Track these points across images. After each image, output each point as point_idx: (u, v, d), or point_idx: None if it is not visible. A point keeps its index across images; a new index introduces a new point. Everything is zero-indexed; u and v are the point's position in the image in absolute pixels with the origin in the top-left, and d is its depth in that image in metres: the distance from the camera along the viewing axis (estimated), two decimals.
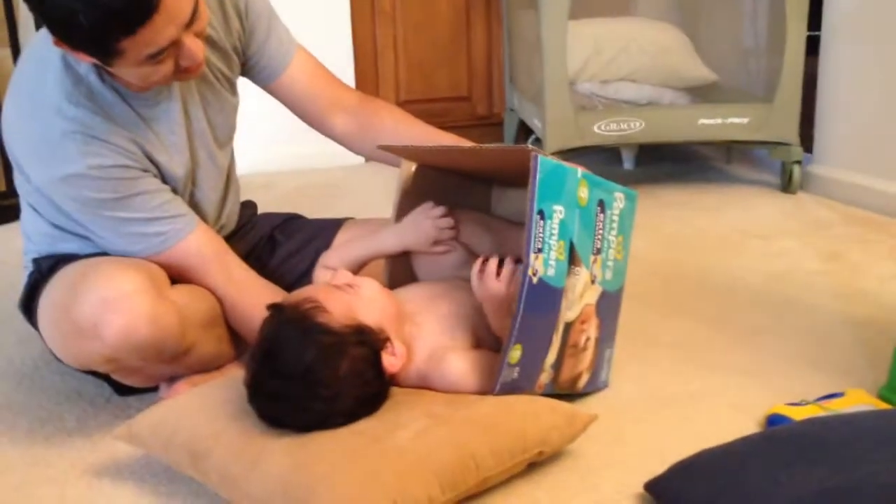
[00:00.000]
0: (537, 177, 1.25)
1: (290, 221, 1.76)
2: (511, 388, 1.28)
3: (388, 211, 1.53)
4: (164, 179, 1.45)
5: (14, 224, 2.63)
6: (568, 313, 1.34)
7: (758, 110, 2.69)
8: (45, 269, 1.46)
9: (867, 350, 1.61)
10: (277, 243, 1.71)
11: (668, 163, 3.17)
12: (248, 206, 1.77)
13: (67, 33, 1.22)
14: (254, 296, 1.46)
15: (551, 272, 1.28)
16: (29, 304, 1.49)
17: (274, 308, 1.25)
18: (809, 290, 1.93)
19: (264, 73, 1.60)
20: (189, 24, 1.25)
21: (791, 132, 2.70)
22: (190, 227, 1.44)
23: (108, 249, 1.43)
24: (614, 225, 1.46)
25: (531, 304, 1.25)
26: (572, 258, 1.33)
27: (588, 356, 1.41)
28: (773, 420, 1.34)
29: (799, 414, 1.31)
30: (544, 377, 1.33)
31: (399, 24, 3.48)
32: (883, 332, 1.68)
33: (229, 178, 1.63)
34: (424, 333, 1.35)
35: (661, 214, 2.54)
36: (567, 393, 1.40)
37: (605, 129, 2.65)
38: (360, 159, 3.39)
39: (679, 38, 3.08)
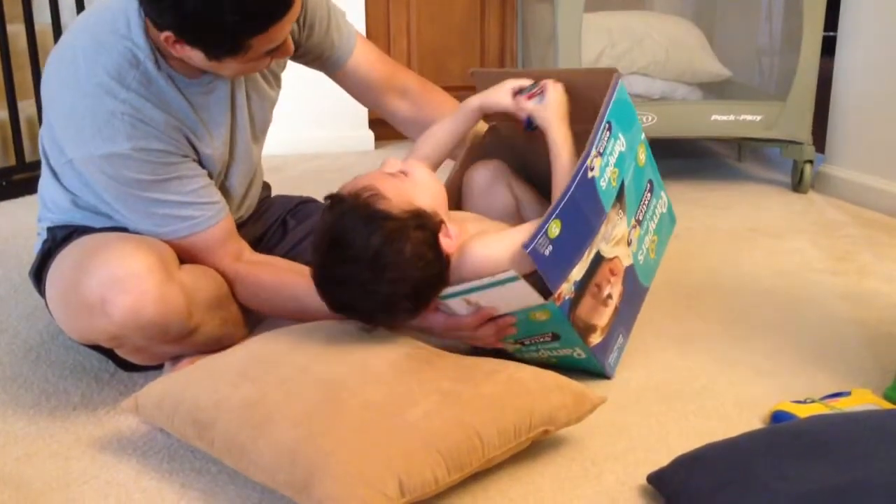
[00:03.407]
0: (614, 95, 1.37)
1: (303, 206, 1.76)
2: (540, 262, 1.27)
3: None
4: (202, 167, 1.45)
5: (24, 199, 2.64)
6: (603, 245, 1.38)
7: (771, 108, 2.68)
8: (59, 238, 1.47)
9: (874, 350, 1.61)
10: (288, 228, 1.72)
11: (678, 158, 3.16)
12: (264, 188, 1.77)
13: (199, 30, 1.24)
14: (268, 267, 1.49)
15: (603, 184, 1.36)
16: (40, 273, 1.49)
17: (334, 198, 1.30)
18: (818, 289, 1.93)
19: (329, 62, 1.62)
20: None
21: (804, 131, 2.69)
22: (221, 215, 1.45)
23: (132, 230, 1.43)
24: (655, 218, 1.53)
25: (580, 192, 1.32)
26: (620, 199, 1.40)
27: (606, 315, 1.43)
28: (778, 417, 1.33)
29: (804, 412, 1.31)
30: (566, 288, 1.32)
31: (413, 11, 3.47)
32: (890, 334, 1.68)
33: (256, 170, 1.64)
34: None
35: None
36: (575, 362, 1.42)
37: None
38: (371, 146, 3.40)
39: (693, 34, 3.07)
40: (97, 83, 1.32)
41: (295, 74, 1.69)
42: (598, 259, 1.38)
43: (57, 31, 2.76)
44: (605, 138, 1.37)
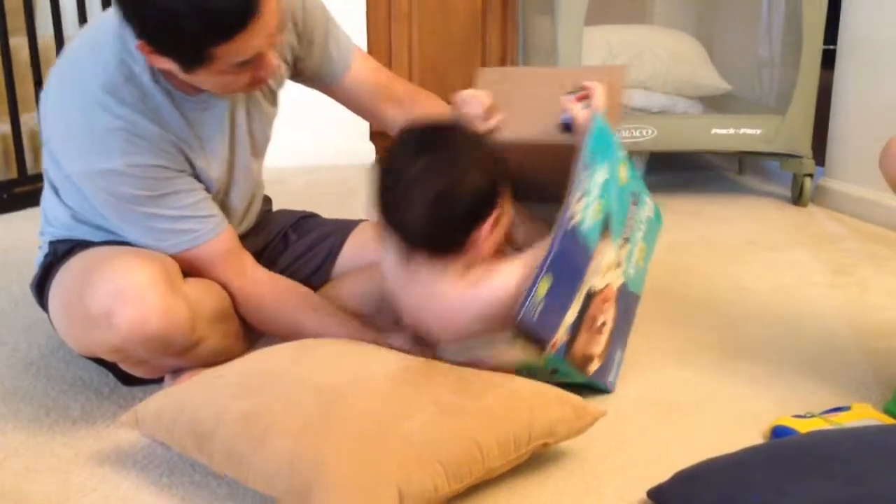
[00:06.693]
0: (593, 130, 1.35)
1: (305, 220, 1.77)
2: (532, 323, 1.26)
3: None
4: (199, 181, 1.45)
5: (25, 211, 2.65)
6: (593, 279, 1.37)
7: (771, 122, 2.68)
8: (60, 252, 1.47)
9: (874, 365, 1.61)
10: (289, 242, 1.72)
11: (679, 171, 3.17)
12: (265, 202, 1.77)
13: (162, 36, 1.23)
14: (271, 286, 1.50)
15: (588, 224, 1.34)
16: (41, 286, 1.49)
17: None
18: (817, 303, 1.93)
19: (328, 76, 1.62)
20: (273, 36, 1.29)
21: (803, 145, 2.69)
22: (220, 227, 1.45)
23: (133, 244, 1.43)
24: (642, 227, 1.52)
25: (565, 244, 1.30)
26: (606, 230, 1.38)
27: (602, 342, 1.42)
28: (778, 432, 1.33)
29: (804, 426, 1.31)
30: (561, 333, 1.32)
31: (414, 26, 3.48)
32: (890, 348, 1.68)
33: (257, 186, 1.64)
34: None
35: (670, 223, 2.52)
36: (576, 381, 1.41)
37: (618, 136, 2.65)
38: (371, 159, 3.40)
39: (694, 47, 3.08)
40: (92, 99, 1.32)
41: (296, 86, 1.69)
42: (591, 295, 1.37)
43: (59, 43, 2.76)
44: (585, 178, 1.35)
